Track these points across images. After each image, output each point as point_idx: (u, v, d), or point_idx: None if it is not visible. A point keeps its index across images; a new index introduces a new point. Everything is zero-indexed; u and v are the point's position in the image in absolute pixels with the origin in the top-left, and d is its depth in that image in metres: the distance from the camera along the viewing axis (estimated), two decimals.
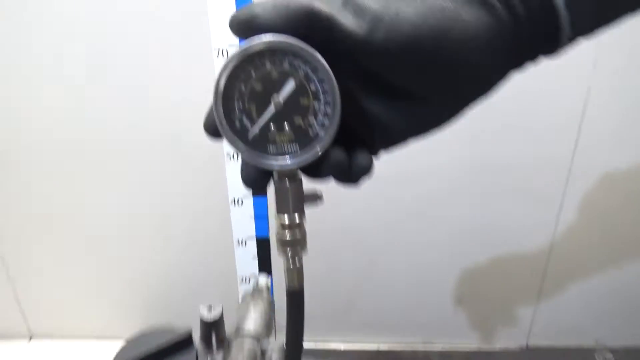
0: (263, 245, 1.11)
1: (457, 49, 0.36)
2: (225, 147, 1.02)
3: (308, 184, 0.44)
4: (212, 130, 0.41)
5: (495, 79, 0.40)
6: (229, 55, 0.41)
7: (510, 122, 1.10)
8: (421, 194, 1.18)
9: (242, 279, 1.15)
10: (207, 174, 1.14)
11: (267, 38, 0.37)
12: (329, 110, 0.39)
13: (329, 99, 0.39)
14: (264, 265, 1.13)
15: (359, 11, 0.37)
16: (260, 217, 1.08)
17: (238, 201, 1.08)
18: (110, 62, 1.04)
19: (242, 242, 1.11)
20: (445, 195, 1.19)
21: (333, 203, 0.86)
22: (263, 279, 1.11)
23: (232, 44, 0.94)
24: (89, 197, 1.19)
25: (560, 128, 1.11)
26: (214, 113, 0.40)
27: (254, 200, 1.07)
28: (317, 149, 0.40)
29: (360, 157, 0.41)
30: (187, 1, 0.99)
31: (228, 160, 1.04)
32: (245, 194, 1.07)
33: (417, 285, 1.30)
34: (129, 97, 1.08)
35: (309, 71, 0.39)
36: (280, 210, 0.43)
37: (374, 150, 0.43)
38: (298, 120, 0.40)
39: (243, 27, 0.37)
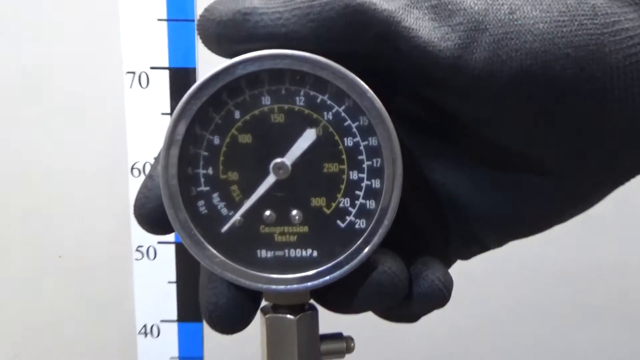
0: None
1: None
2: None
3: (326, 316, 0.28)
4: (152, 216, 0.27)
5: None
6: (197, 82, 0.25)
7: None
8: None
9: None
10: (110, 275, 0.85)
11: (269, 51, 0.25)
12: (375, 184, 0.27)
13: (378, 164, 0.26)
14: None
15: (443, 12, 0.24)
16: None
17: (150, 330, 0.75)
18: None
19: None
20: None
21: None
22: None
23: (158, 67, 0.65)
24: None
25: None
26: (161, 185, 0.26)
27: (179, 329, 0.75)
28: (354, 258, 0.26)
29: (429, 274, 0.27)
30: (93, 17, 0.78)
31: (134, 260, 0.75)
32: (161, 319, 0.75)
33: None
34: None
35: (343, 113, 0.26)
36: None
37: (447, 259, 0.29)
38: (318, 202, 0.27)
39: (227, 32, 0.24)
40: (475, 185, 0.27)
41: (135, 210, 0.27)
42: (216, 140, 0.27)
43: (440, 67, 0.24)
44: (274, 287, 0.27)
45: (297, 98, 0.26)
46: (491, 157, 0.26)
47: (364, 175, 0.27)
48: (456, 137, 0.27)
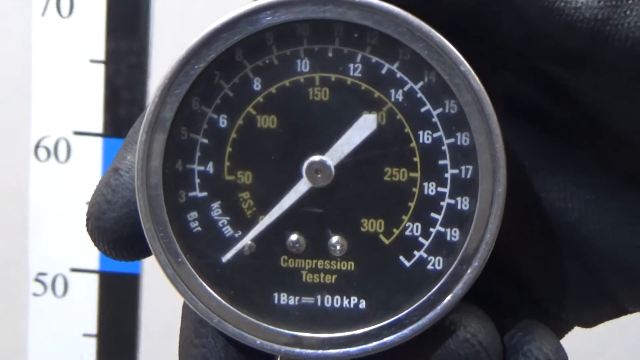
0: None
1: None
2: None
3: None
4: (116, 232, 0.23)
5: None
6: (201, 32, 0.22)
7: None
8: None
9: None
10: None
11: None
12: (463, 204, 0.22)
13: (469, 175, 0.22)
14: None
15: None
16: None
17: None
18: None
19: None
20: None
21: None
22: None
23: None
24: None
25: None
26: (136, 185, 0.22)
27: None
28: (423, 316, 0.22)
29: (533, 348, 0.23)
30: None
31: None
32: None
33: None
34: None
35: (420, 94, 0.22)
36: None
37: (561, 326, 0.25)
38: (373, 227, 0.22)
39: None
40: (615, 216, 0.23)
41: (89, 221, 0.23)
42: (223, 122, 0.22)
43: (575, 33, 0.21)
44: (297, 350, 0.23)
45: (352, 66, 0.22)
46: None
47: (446, 190, 0.22)
48: (589, 142, 0.23)
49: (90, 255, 0.65)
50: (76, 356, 0.63)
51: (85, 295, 0.63)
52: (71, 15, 0.61)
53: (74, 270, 0.62)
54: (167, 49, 0.66)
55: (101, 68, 0.63)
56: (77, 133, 0.63)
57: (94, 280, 0.63)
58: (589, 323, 0.26)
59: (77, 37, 0.61)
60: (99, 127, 0.64)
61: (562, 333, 0.26)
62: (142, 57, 0.63)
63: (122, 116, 0.64)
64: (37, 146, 0.63)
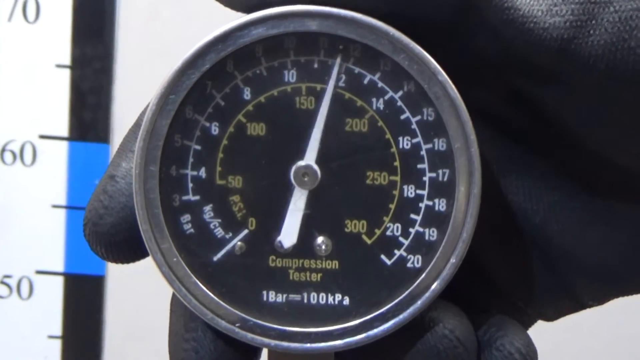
0: None
1: None
2: None
3: None
4: (113, 235, 0.24)
5: None
6: (195, 46, 0.23)
7: None
8: None
9: None
10: None
11: (300, 6, 0.22)
12: (441, 205, 0.23)
13: (446, 177, 0.23)
14: None
15: None
16: None
17: None
18: None
19: None
20: None
21: None
22: None
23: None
24: None
25: None
26: (135, 189, 0.23)
27: None
28: (403, 311, 0.23)
29: (506, 342, 0.24)
30: None
31: None
32: None
33: None
34: None
35: (400, 102, 0.23)
36: None
37: (526, 319, 0.27)
38: (356, 227, 0.23)
39: None
40: (575, 217, 0.24)
41: (87, 226, 0.24)
42: (214, 130, 0.23)
43: (544, 51, 0.22)
44: (285, 344, 0.23)
45: (334, 73, 0.23)
46: (600, 179, 0.24)
47: (424, 192, 0.23)
48: (553, 148, 0.24)
49: (55, 258, 0.64)
50: (41, 358, 0.62)
51: (50, 297, 0.63)
52: (37, 21, 0.61)
53: (39, 272, 0.62)
54: (132, 54, 0.66)
55: (67, 73, 0.62)
56: (42, 137, 0.63)
57: (59, 283, 0.63)
58: (551, 317, 0.27)
59: (43, 42, 0.61)
60: (64, 131, 0.63)
61: (526, 327, 0.26)
62: (107, 62, 0.63)
63: (87, 120, 0.64)
64: (2, 150, 0.62)
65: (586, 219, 0.24)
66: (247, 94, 0.23)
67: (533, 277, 0.25)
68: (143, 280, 0.55)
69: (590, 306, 0.26)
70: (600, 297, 0.26)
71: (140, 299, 0.69)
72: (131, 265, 0.25)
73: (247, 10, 0.23)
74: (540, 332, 0.28)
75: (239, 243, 0.23)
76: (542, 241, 0.25)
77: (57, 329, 0.62)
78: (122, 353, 0.72)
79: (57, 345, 0.62)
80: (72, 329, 0.63)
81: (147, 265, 0.26)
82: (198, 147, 0.23)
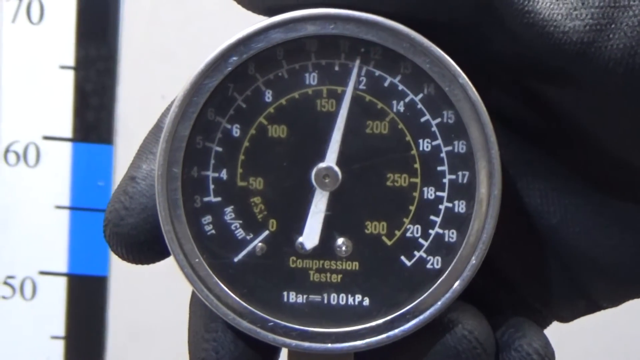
0: None
1: None
2: None
3: None
4: (134, 237, 0.24)
5: None
6: (217, 48, 0.23)
7: None
8: None
9: None
10: None
11: (321, 9, 0.22)
12: (460, 207, 0.23)
13: (466, 180, 0.23)
14: None
15: None
16: None
17: None
18: None
19: None
20: None
21: None
22: None
23: None
24: None
25: None
26: (157, 190, 0.23)
27: None
28: (422, 312, 0.23)
29: (524, 343, 0.24)
30: None
31: None
32: None
33: None
34: None
35: (420, 105, 0.23)
36: None
37: (542, 321, 0.27)
38: (376, 229, 0.23)
39: None
40: (591, 219, 0.24)
41: (108, 227, 0.24)
42: (236, 132, 0.23)
43: (563, 54, 0.21)
44: (306, 344, 0.23)
45: (352, 76, 0.23)
46: (615, 181, 0.24)
47: (444, 194, 0.23)
48: (569, 151, 0.24)
49: (58, 259, 0.65)
50: (43, 358, 0.62)
51: (54, 298, 0.63)
52: (41, 22, 0.61)
53: (42, 273, 0.62)
54: (135, 55, 0.66)
55: (71, 74, 0.62)
56: (46, 138, 0.63)
57: (62, 283, 0.63)
58: (566, 318, 0.27)
59: (47, 43, 0.61)
60: (68, 132, 0.63)
61: (541, 327, 0.26)
62: (111, 64, 0.63)
63: (91, 121, 0.64)
64: (6, 151, 0.62)
65: (602, 221, 0.24)
66: (268, 96, 0.23)
67: (549, 279, 0.25)
68: (146, 281, 0.55)
69: (605, 308, 0.26)
70: (615, 299, 0.26)
71: (143, 299, 0.69)
72: (133, 266, 0.25)
73: (268, 13, 0.23)
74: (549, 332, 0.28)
75: (260, 244, 0.23)
76: (558, 243, 0.25)
77: (60, 329, 0.62)
78: (124, 353, 0.72)
79: (60, 345, 0.62)
80: (75, 329, 0.63)
81: (149, 266, 0.26)
82: (219, 149, 0.23)
